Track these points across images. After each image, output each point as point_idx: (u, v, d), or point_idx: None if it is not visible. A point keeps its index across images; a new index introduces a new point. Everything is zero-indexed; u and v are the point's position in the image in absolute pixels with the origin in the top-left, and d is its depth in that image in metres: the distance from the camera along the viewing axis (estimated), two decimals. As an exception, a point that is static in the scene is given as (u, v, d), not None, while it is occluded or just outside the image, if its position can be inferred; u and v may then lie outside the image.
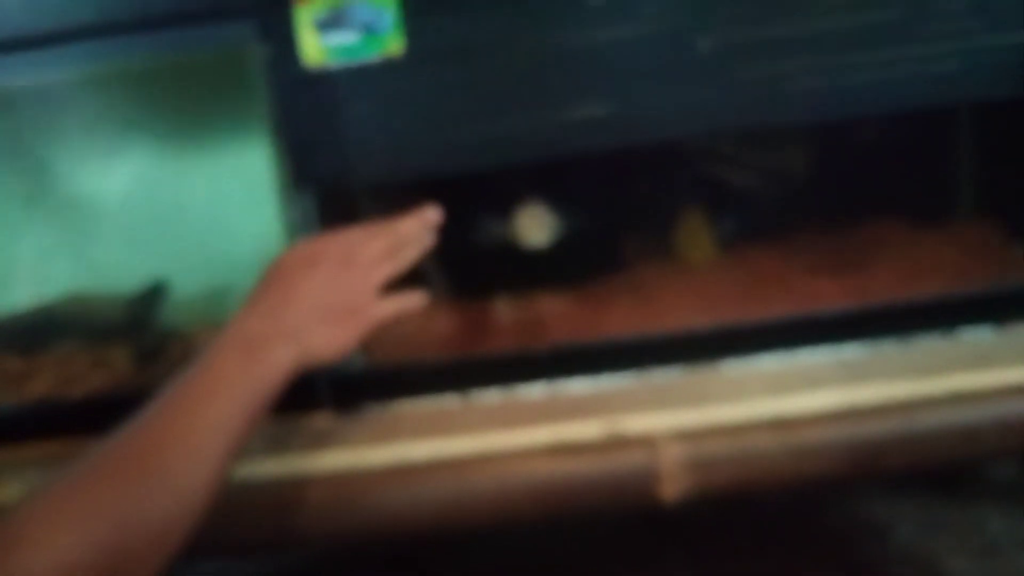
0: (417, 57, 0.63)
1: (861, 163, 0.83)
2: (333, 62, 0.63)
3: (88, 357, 0.80)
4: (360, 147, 0.65)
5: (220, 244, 0.88)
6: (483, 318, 0.81)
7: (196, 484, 0.48)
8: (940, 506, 0.96)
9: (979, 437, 0.61)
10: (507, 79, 0.64)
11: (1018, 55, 0.63)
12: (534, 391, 0.68)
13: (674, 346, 0.68)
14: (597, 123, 0.65)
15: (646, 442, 0.61)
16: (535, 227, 0.82)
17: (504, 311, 0.82)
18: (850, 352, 0.67)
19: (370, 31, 0.63)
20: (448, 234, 0.63)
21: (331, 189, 0.67)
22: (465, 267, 0.81)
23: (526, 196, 0.82)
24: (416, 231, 0.61)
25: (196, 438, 0.49)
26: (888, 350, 0.67)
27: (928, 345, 0.67)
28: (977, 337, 0.67)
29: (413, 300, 0.61)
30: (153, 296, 0.86)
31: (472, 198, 0.79)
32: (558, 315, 0.79)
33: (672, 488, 0.60)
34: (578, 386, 0.68)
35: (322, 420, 0.68)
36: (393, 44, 0.63)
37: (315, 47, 0.63)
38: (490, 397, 0.68)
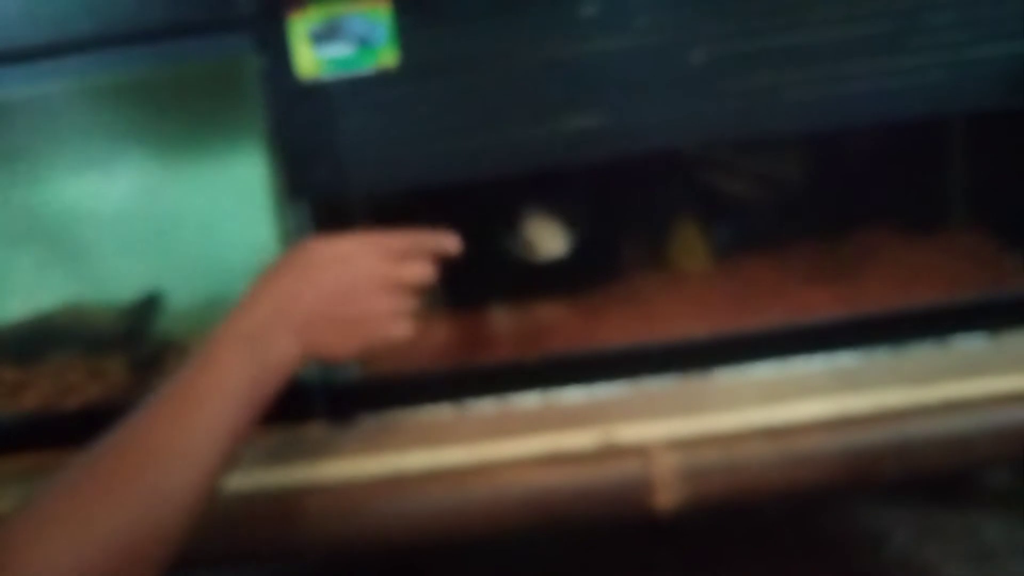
0: (411, 69, 0.63)
1: (854, 173, 0.84)
2: (328, 74, 0.64)
3: (84, 367, 0.80)
4: (355, 158, 0.65)
5: (216, 254, 0.88)
6: (478, 328, 0.81)
7: (192, 487, 0.47)
8: (935, 513, 0.96)
9: (972, 445, 0.61)
10: (501, 91, 0.64)
11: (1007, 66, 0.63)
12: (528, 401, 0.68)
13: (668, 355, 0.68)
14: (591, 134, 0.65)
15: (640, 451, 0.61)
16: (548, 237, 0.81)
17: (500, 321, 0.82)
18: (844, 361, 0.68)
19: (365, 43, 0.63)
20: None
21: (326, 200, 0.67)
22: (467, 279, 0.81)
23: (524, 207, 0.82)
24: (440, 249, 0.59)
25: (192, 441, 0.48)
26: (881, 358, 0.67)
27: (921, 353, 0.67)
28: (970, 345, 0.68)
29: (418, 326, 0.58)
30: (149, 306, 0.86)
31: (466, 209, 0.79)
32: (553, 324, 0.80)
33: (666, 497, 0.60)
34: (572, 395, 0.68)
35: (317, 430, 0.68)
36: (387, 56, 0.63)
37: (310, 59, 0.63)
38: (485, 407, 0.68)
